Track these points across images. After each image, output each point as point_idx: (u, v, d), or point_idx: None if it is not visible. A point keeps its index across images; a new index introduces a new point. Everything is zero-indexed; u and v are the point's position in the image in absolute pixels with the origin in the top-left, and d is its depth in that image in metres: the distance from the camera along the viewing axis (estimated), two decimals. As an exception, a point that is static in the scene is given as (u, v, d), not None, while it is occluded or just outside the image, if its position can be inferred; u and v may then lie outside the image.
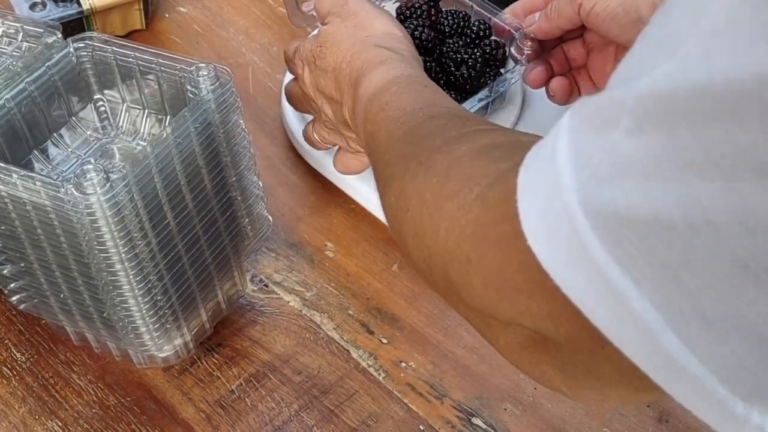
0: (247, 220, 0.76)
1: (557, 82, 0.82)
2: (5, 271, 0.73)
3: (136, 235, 0.66)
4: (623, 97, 0.38)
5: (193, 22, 1.00)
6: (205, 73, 0.70)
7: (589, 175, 0.39)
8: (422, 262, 0.55)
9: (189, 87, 0.70)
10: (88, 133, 0.78)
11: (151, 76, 0.74)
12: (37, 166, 0.75)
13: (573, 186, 0.39)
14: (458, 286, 0.51)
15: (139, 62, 0.74)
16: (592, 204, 0.39)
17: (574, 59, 0.83)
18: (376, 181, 0.64)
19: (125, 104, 0.77)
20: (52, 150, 0.76)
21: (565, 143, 0.41)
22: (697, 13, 0.36)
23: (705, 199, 0.35)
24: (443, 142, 0.57)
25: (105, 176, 0.64)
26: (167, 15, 1.00)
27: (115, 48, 0.74)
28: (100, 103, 0.77)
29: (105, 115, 0.78)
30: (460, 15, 0.86)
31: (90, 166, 0.63)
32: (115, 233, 0.65)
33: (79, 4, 0.92)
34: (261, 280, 0.84)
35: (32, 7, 0.91)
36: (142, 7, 0.96)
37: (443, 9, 0.87)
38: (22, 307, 0.76)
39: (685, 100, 0.35)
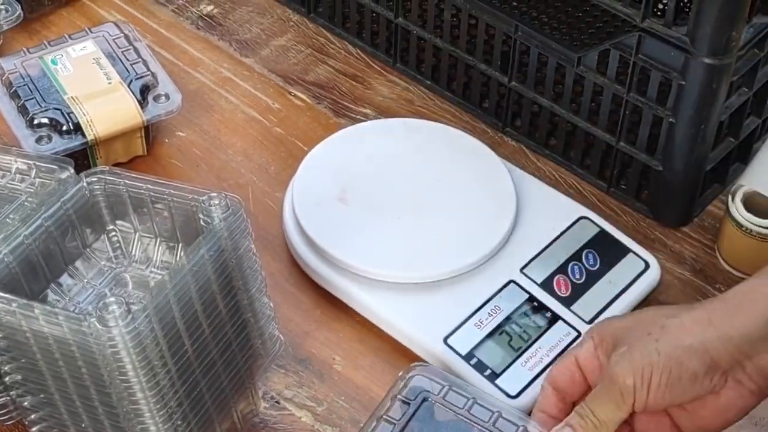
0: (260, 340, 0.78)
1: None
2: (25, 403, 0.75)
3: (156, 363, 0.68)
4: None
5: (192, 146, 1.04)
6: (217, 202, 0.73)
7: None
8: None
9: (202, 216, 0.73)
10: (102, 263, 0.80)
11: (161, 206, 0.77)
12: (54, 298, 0.77)
13: None
14: None
15: (151, 193, 0.77)
16: None
17: None
18: None
19: (137, 234, 0.80)
20: (68, 281, 0.78)
21: None
22: None
23: None
24: None
25: (126, 309, 0.66)
26: (167, 140, 1.04)
27: (126, 180, 0.77)
28: (113, 233, 0.80)
29: (118, 245, 0.80)
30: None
31: (112, 299, 0.66)
32: (137, 363, 0.67)
33: (84, 135, 0.95)
34: (272, 397, 0.85)
35: (38, 140, 0.94)
36: (143, 134, 0.99)
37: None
38: (41, 437, 0.78)
39: None
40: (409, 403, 0.78)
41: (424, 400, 0.78)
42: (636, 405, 0.70)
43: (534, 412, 0.77)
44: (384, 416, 0.77)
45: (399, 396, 0.78)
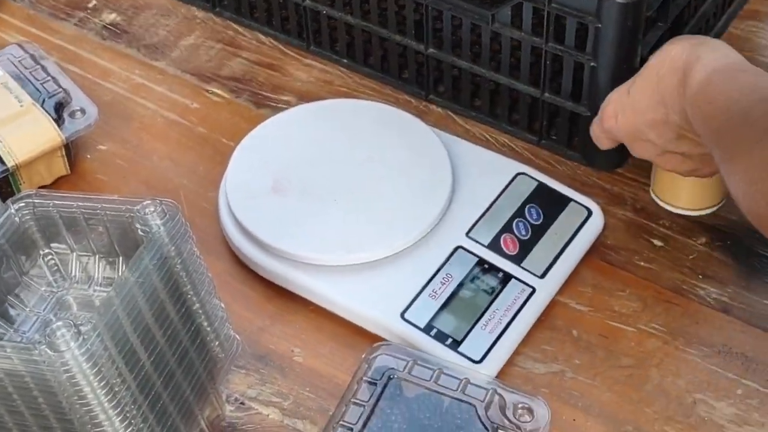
0: (216, 343, 0.77)
1: None
2: (-15, 443, 0.73)
3: (114, 382, 0.66)
4: None
5: (116, 158, 1.01)
6: (153, 209, 0.71)
7: None
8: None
9: (139, 225, 0.71)
10: (43, 288, 0.78)
11: (95, 222, 0.75)
12: (-2, 332, 0.75)
13: None
14: None
15: (83, 210, 0.74)
16: None
17: None
18: (722, 162, 0.74)
19: (74, 253, 0.77)
20: (11, 312, 0.76)
21: None
22: None
23: None
24: None
25: (76, 330, 0.64)
26: (89, 156, 1.01)
27: (55, 201, 0.75)
28: (49, 257, 0.77)
29: (56, 268, 0.78)
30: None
31: (59, 323, 0.64)
32: (95, 385, 0.65)
33: (3, 163, 0.92)
34: (236, 399, 0.84)
35: (-44, 175, 0.91)
36: (64, 153, 0.96)
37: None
38: (6, 475, 0.75)
39: None
40: (375, 384, 0.77)
41: (390, 378, 0.77)
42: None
43: None
44: (352, 400, 0.76)
45: (365, 378, 0.77)
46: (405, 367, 0.78)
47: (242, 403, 0.84)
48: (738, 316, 0.86)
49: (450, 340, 0.83)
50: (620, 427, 0.80)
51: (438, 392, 0.77)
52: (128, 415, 0.68)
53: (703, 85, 0.77)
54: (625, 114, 0.85)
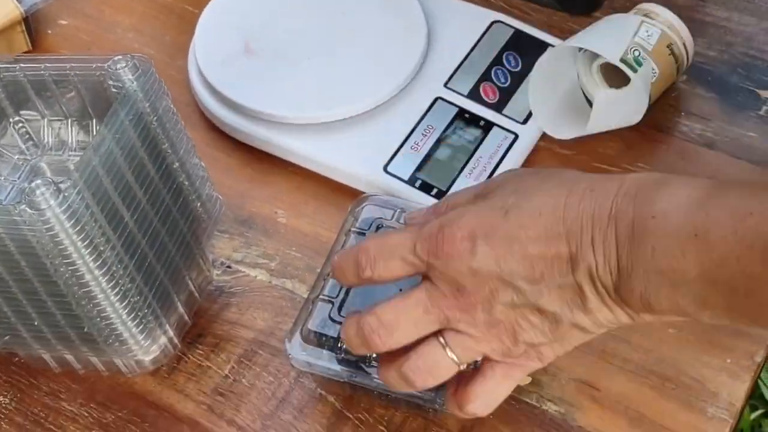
0: (198, 203, 0.75)
1: None
2: (-31, 316, 0.71)
3: (98, 240, 0.65)
4: None
5: (78, 32, 0.98)
6: (124, 64, 0.68)
7: None
8: None
9: (111, 82, 0.68)
10: (15, 157, 0.75)
11: (66, 84, 0.72)
12: (-27, 202, 0.72)
13: None
14: None
15: (51, 72, 0.72)
16: None
17: None
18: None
19: (46, 119, 0.75)
20: (-16, 183, 0.74)
21: None
22: None
23: None
24: None
25: (56, 188, 0.62)
26: (50, 31, 0.98)
27: (22, 64, 0.72)
28: (20, 125, 0.75)
29: (27, 136, 0.75)
30: None
31: (38, 181, 0.62)
32: (78, 244, 0.64)
33: (-38, 38, 0.89)
34: (222, 263, 0.83)
35: None
36: (23, 27, 0.93)
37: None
38: (-6, 348, 0.74)
39: None
40: (364, 234, 0.76)
41: (379, 227, 0.76)
42: None
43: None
44: (342, 251, 0.75)
45: (353, 229, 0.76)
46: (393, 216, 0.77)
47: (229, 267, 0.82)
48: (723, 150, 0.86)
49: (435, 191, 0.82)
50: (611, 265, 0.80)
51: None
52: (115, 275, 0.66)
53: (700, 221, 0.56)
54: (490, 240, 0.59)
